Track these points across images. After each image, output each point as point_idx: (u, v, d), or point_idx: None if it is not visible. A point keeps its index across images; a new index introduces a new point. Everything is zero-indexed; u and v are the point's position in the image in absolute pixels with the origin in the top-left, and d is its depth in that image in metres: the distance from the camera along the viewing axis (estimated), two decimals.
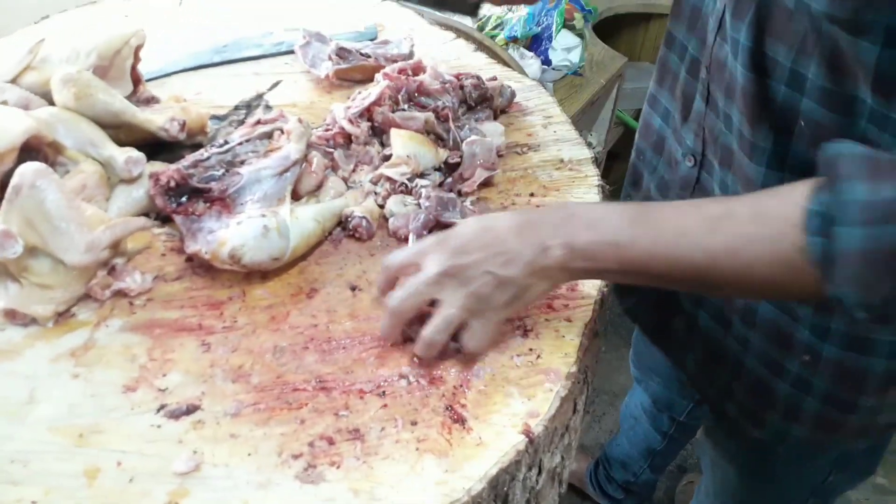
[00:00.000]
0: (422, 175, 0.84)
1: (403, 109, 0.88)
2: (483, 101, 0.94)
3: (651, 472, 1.53)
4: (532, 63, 1.64)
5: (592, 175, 0.90)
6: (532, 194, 0.87)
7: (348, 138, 0.88)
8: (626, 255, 0.59)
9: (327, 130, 0.88)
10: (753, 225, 0.55)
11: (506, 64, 1.15)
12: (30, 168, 0.66)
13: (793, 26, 0.61)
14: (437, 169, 0.86)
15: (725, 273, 0.56)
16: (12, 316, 0.67)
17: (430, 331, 0.63)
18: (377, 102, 0.88)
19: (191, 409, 0.61)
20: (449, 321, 0.62)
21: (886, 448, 0.92)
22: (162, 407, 0.61)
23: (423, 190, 0.81)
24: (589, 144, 0.95)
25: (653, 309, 0.95)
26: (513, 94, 0.98)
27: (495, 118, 0.96)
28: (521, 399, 0.64)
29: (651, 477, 1.54)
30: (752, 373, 0.80)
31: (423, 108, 0.89)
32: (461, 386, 0.64)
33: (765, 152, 0.67)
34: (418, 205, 0.80)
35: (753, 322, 0.77)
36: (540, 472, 0.65)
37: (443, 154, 0.86)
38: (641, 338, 1.30)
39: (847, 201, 0.50)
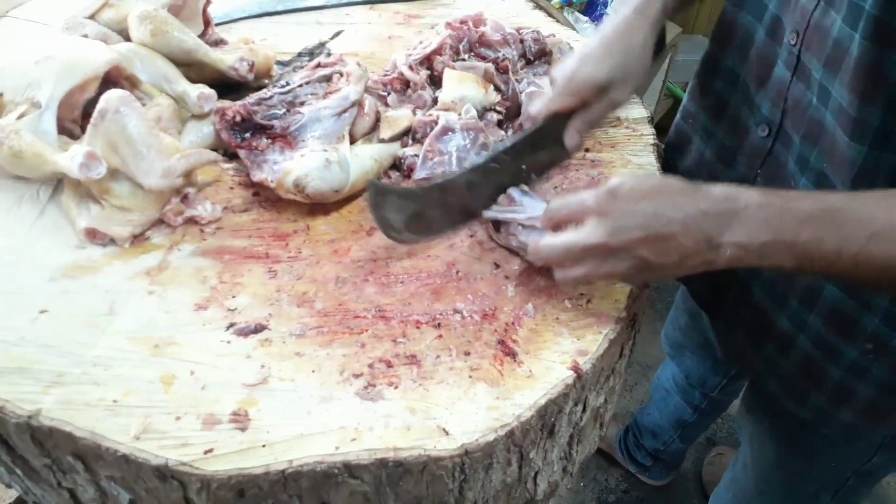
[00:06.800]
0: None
1: (464, 59, 0.90)
2: (542, 56, 0.95)
3: (681, 443, 1.54)
4: (586, 28, 1.64)
5: (648, 134, 0.91)
6: (587, 150, 0.88)
7: (406, 84, 0.90)
8: (805, 255, 0.58)
9: (386, 76, 0.90)
10: None
11: (563, 24, 1.15)
12: (115, 94, 0.69)
13: None
14: (489, 109, 0.87)
15: None
16: (93, 235, 0.71)
17: (560, 274, 0.65)
18: (438, 51, 0.89)
19: (258, 329, 0.64)
20: (576, 277, 0.64)
21: None
22: (231, 325, 0.65)
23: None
24: None
25: (708, 280, 0.92)
26: (571, 51, 0.98)
27: None
28: (570, 338, 0.66)
29: (680, 447, 1.56)
30: (803, 353, 0.78)
31: (483, 59, 0.90)
32: (513, 323, 0.67)
33: (869, 131, 0.63)
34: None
35: (815, 304, 0.75)
36: (584, 410, 0.68)
37: (493, 96, 0.87)
38: (677, 315, 1.29)
39: None
